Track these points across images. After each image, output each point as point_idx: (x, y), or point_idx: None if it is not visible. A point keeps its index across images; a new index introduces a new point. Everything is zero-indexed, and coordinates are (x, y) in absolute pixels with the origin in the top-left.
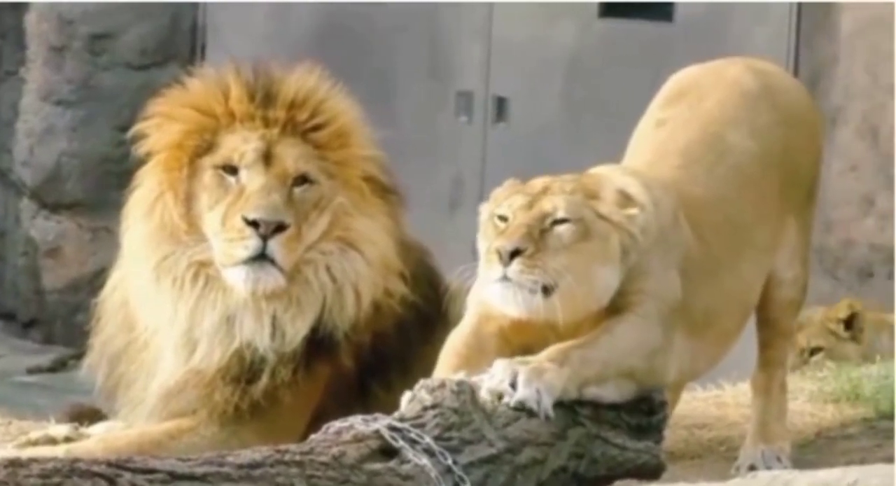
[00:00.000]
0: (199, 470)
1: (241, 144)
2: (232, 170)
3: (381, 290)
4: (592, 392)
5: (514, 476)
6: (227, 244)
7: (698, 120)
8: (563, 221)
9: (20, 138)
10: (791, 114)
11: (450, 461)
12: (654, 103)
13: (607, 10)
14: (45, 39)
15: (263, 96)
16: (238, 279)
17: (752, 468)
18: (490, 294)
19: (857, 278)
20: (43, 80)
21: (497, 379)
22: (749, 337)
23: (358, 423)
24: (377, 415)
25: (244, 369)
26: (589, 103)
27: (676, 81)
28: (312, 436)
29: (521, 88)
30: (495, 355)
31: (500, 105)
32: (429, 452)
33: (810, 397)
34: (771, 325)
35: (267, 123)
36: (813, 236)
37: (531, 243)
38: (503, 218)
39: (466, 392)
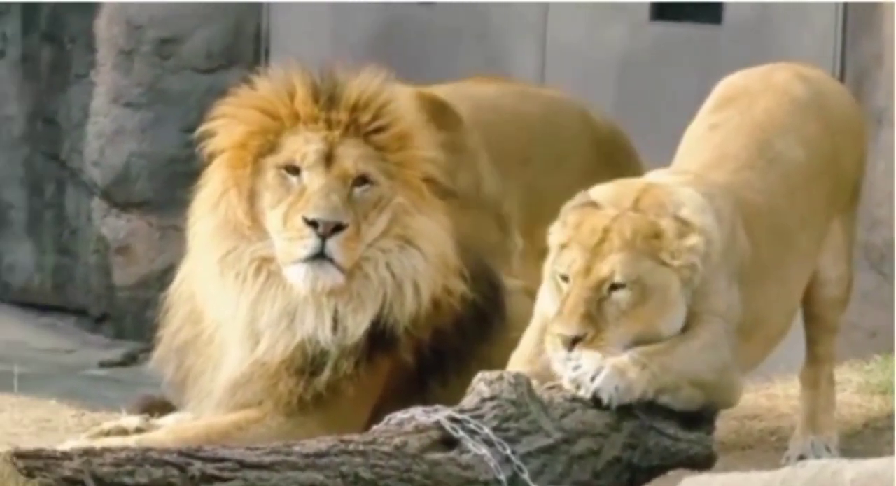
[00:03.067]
0: (267, 459)
1: (303, 146)
2: (294, 170)
3: (440, 287)
4: (665, 399)
5: (571, 466)
6: (288, 243)
7: (748, 126)
8: (620, 285)
9: (91, 140)
10: (837, 120)
11: (508, 451)
12: (706, 107)
13: (658, 14)
14: (114, 43)
15: (327, 98)
16: (298, 277)
17: (802, 457)
18: (559, 372)
19: None
20: (112, 83)
21: (581, 371)
22: (797, 332)
23: (419, 414)
24: (437, 406)
25: (307, 362)
26: (640, 105)
27: (726, 85)
28: (375, 427)
29: (574, 90)
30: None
31: None
32: (488, 442)
33: (858, 388)
34: (818, 322)
35: (330, 124)
36: (858, 234)
37: (591, 326)
38: (565, 278)
39: (524, 385)
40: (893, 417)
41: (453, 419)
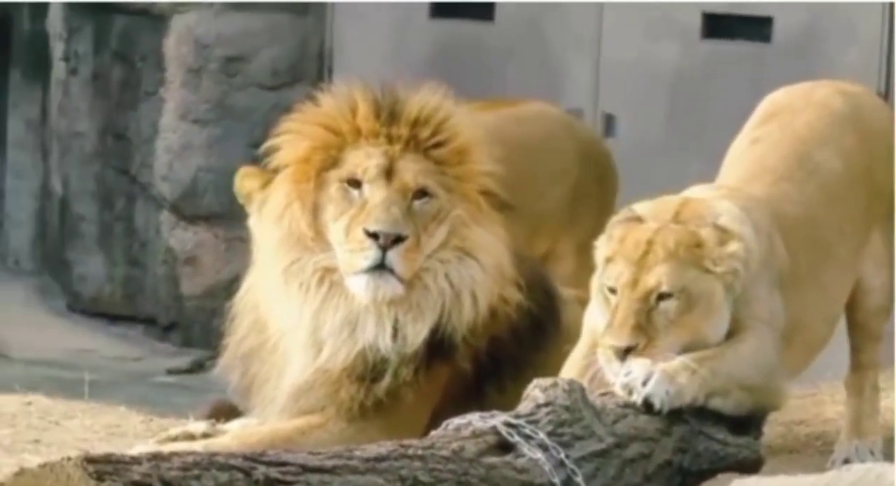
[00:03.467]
0: (329, 463)
1: (364, 160)
2: (356, 184)
3: (497, 296)
4: (716, 403)
5: (623, 470)
6: (350, 255)
7: (789, 139)
8: (667, 295)
9: (160, 155)
10: (874, 133)
11: (562, 455)
12: (749, 123)
13: (710, 32)
14: (182, 62)
15: (388, 114)
16: (359, 287)
17: (847, 461)
18: (612, 380)
19: None
20: (181, 99)
21: (632, 376)
22: (842, 340)
23: (476, 420)
24: (494, 412)
25: (368, 369)
26: (691, 120)
27: (769, 101)
28: (433, 432)
29: (627, 106)
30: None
31: (608, 122)
32: (542, 446)
33: None
34: (861, 329)
35: (391, 139)
36: None
37: (642, 337)
38: (612, 290)
39: (577, 391)
40: None
41: (509, 425)
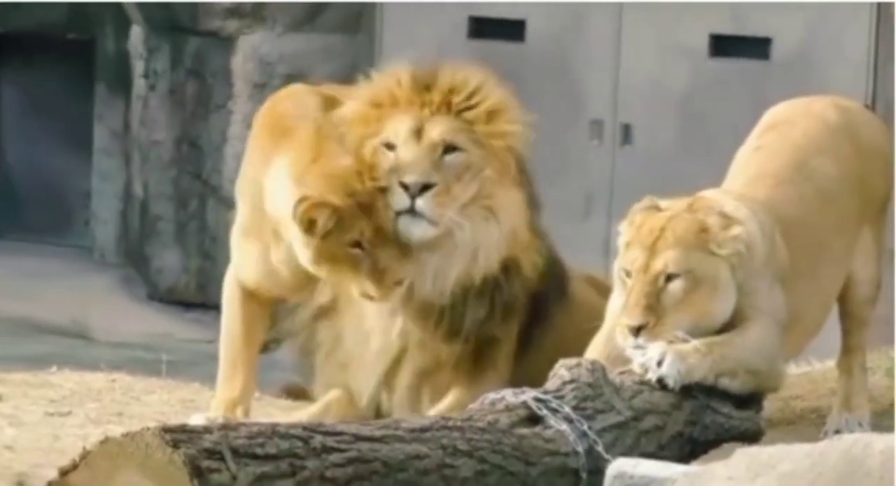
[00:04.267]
0: (378, 433)
1: (397, 125)
2: (391, 147)
3: (511, 259)
4: (724, 383)
5: (639, 440)
6: (390, 202)
7: (788, 148)
8: (674, 276)
9: (228, 161)
10: (867, 143)
11: (585, 427)
12: (753, 133)
13: (716, 52)
14: (248, 78)
15: (424, 85)
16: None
17: (838, 432)
18: (631, 357)
19: None
20: (247, 111)
21: (648, 356)
22: (835, 324)
23: (509, 395)
24: (525, 388)
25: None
26: (700, 129)
27: (771, 114)
28: (471, 405)
29: (644, 117)
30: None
31: (626, 131)
32: (567, 419)
33: (886, 372)
34: (851, 317)
35: (424, 105)
36: (888, 242)
37: (651, 316)
38: (628, 274)
39: (599, 370)
40: None
41: (538, 400)
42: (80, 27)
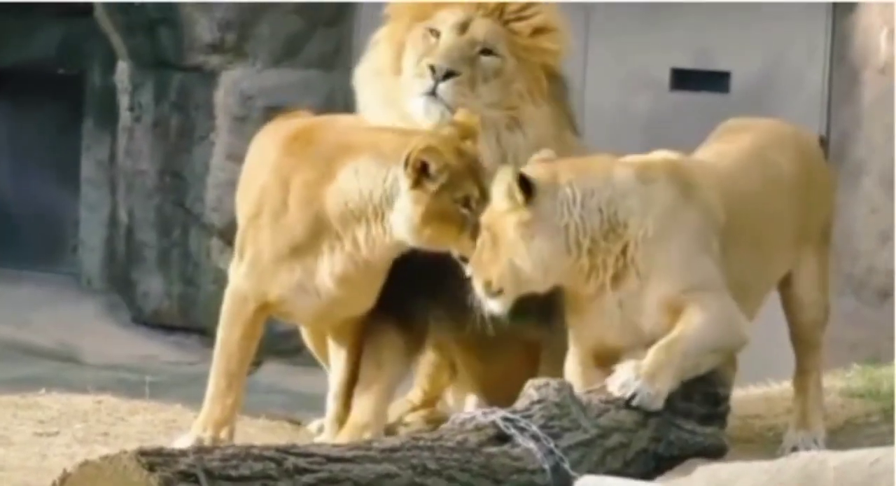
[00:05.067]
0: (349, 454)
1: (448, 15)
2: (436, 33)
3: None
4: (690, 375)
5: (605, 457)
6: (411, 81)
7: (747, 142)
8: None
9: (210, 190)
10: (813, 166)
11: (552, 445)
12: (709, 139)
13: (677, 84)
14: (229, 111)
15: None
16: (416, 108)
17: (794, 449)
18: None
19: (877, 298)
20: (228, 143)
21: (619, 382)
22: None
23: (478, 415)
24: (494, 408)
25: None
26: None
27: (724, 125)
28: (442, 425)
29: (607, 146)
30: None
31: None
32: (535, 438)
33: (840, 392)
34: (802, 341)
35: (479, 6)
36: (841, 265)
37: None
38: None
39: (566, 389)
40: (869, 416)
41: (506, 419)
42: (69, 62)
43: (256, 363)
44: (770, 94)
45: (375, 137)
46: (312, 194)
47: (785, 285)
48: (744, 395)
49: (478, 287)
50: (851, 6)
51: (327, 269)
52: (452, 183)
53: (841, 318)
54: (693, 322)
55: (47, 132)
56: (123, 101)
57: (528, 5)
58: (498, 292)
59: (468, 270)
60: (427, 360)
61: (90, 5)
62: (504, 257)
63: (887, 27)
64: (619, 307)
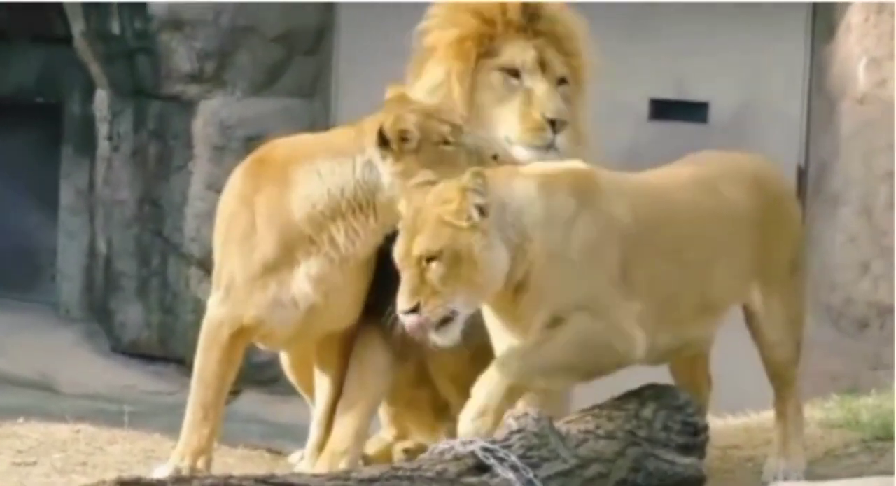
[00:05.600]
0: (328, 484)
1: (521, 53)
2: (515, 73)
3: None
4: (539, 384)
5: None
6: (527, 134)
7: (702, 169)
8: (432, 257)
9: (189, 220)
10: (773, 202)
11: (531, 475)
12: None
13: (656, 115)
14: (208, 141)
15: (533, 12)
16: (528, 159)
17: (775, 479)
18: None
19: (856, 329)
20: (207, 173)
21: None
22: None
23: (458, 445)
24: (473, 439)
25: None
26: None
27: (684, 157)
28: (421, 455)
29: None
30: None
31: None
32: (514, 468)
33: (820, 423)
34: (777, 378)
35: (536, 34)
36: (820, 295)
37: (419, 296)
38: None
39: (545, 420)
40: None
41: (486, 449)
42: (49, 91)
43: (235, 392)
44: (749, 124)
45: (323, 139)
46: (276, 208)
47: (751, 321)
48: (723, 425)
49: (415, 322)
50: (829, 36)
51: (304, 273)
52: (424, 133)
53: (820, 348)
54: (555, 338)
55: (26, 161)
56: (102, 129)
57: (566, 24)
58: (444, 322)
59: (399, 311)
60: (391, 401)
61: (69, 34)
62: (466, 274)
63: (866, 57)
64: (515, 321)
